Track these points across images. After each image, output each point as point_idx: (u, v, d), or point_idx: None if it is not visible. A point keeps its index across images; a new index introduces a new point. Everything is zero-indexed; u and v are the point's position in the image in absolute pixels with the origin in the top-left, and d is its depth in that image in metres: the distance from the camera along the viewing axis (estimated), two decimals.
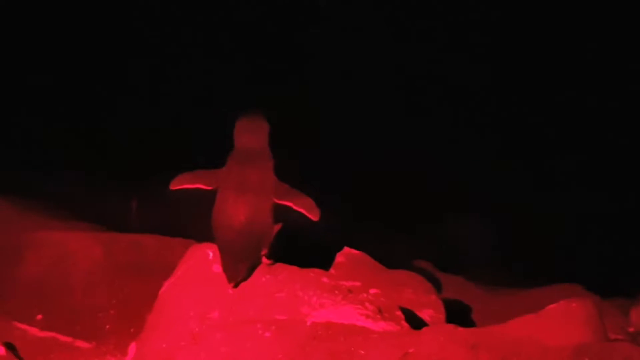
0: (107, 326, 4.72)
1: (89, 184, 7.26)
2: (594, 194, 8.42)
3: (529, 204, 8.33)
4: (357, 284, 4.37)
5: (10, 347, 4.14)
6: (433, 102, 9.36)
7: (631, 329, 4.58)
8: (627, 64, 9.00)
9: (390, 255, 5.20)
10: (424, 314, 4.50)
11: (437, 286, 5.34)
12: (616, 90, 9.01)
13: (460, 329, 3.52)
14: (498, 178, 8.61)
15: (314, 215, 3.98)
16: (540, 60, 9.37)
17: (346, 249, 4.84)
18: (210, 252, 4.12)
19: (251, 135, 4.06)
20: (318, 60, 9.43)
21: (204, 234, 4.18)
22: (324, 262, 4.56)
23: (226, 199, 3.99)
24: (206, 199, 4.08)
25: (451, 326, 3.61)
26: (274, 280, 3.99)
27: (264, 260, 4.08)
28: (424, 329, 3.57)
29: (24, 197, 6.31)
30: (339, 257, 4.75)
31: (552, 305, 3.62)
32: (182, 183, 4.08)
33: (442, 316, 4.58)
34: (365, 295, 4.10)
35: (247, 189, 3.97)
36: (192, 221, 4.50)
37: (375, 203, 7.94)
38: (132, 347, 4.08)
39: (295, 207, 3.99)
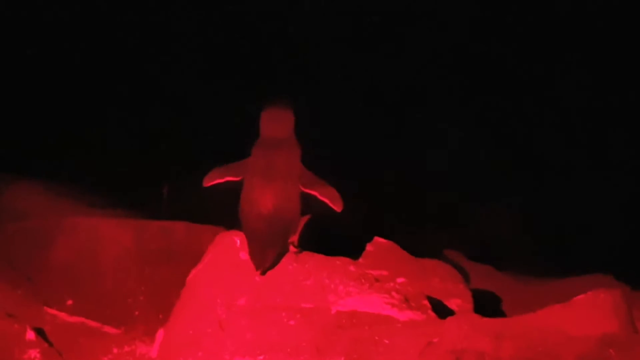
0: (136, 312, 4.76)
1: (119, 170, 7.32)
2: (625, 182, 8.35)
3: (558, 193, 8.27)
4: (385, 272, 4.37)
5: (39, 332, 4.19)
6: (463, 91, 9.32)
7: None
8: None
9: (419, 244, 5.19)
10: (452, 303, 4.50)
11: (466, 275, 5.34)
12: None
13: (485, 318, 3.52)
14: (527, 167, 8.57)
15: (337, 206, 4.01)
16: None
17: (375, 238, 4.84)
18: (237, 240, 4.13)
19: (277, 123, 4.09)
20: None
21: (232, 221, 4.21)
22: (352, 251, 4.56)
23: (253, 186, 4.02)
24: (235, 186, 4.10)
25: (476, 316, 3.60)
26: (301, 269, 4.00)
27: (291, 248, 4.09)
28: (448, 318, 3.56)
29: (56, 184, 6.38)
30: (368, 246, 4.76)
31: (579, 296, 3.60)
32: (214, 179, 4.13)
33: (469, 305, 4.57)
34: (392, 284, 4.11)
35: (274, 177, 4.00)
36: (221, 208, 4.52)
37: (405, 192, 7.92)
38: (160, 333, 4.12)
39: (319, 197, 4.01)
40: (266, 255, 3.94)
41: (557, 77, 9.16)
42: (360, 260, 4.52)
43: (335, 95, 8.91)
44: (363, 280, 3.99)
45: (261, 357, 3.48)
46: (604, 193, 8.25)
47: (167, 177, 7.21)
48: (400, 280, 4.28)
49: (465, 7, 9.31)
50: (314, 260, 4.07)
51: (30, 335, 4.08)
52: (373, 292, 3.90)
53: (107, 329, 4.59)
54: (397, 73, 9.32)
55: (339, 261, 4.12)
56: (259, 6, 9.44)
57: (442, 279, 4.72)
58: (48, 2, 8.97)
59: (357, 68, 9.33)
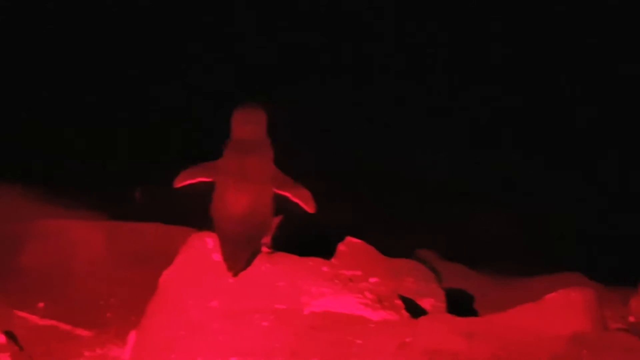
0: (108, 314, 4.72)
1: (91, 171, 7.29)
2: (599, 183, 8.43)
3: (535, 193, 8.32)
4: (358, 273, 4.36)
5: (10, 335, 4.15)
6: (441, 95, 9.37)
7: (632, 319, 4.56)
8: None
9: (393, 244, 5.20)
10: (425, 303, 4.50)
11: (439, 275, 5.34)
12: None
13: (458, 318, 3.53)
14: (504, 168, 8.61)
15: (310, 208, 4.00)
16: None
17: (348, 238, 4.84)
18: (210, 241, 4.11)
19: (250, 125, 4.07)
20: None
21: (205, 223, 4.19)
22: (325, 251, 4.56)
23: (226, 188, 4.00)
24: (208, 187, 4.09)
25: (449, 315, 3.62)
26: (274, 270, 3.99)
27: (264, 249, 4.08)
28: (421, 318, 3.57)
29: (26, 186, 6.34)
30: (340, 247, 4.74)
31: (551, 294, 3.63)
32: (185, 179, 4.10)
33: (443, 305, 4.58)
34: (365, 284, 4.10)
35: (247, 178, 3.98)
36: (194, 209, 4.50)
37: (379, 192, 7.94)
38: (132, 336, 4.09)
39: (292, 198, 4.00)
40: (239, 257, 3.92)
41: (535, 76, 9.23)
42: (334, 260, 4.51)
43: (312, 93, 8.94)
44: (336, 281, 3.99)
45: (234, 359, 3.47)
46: (575, 191, 8.32)
47: (139, 179, 7.19)
48: (373, 280, 4.27)
49: None
50: (287, 261, 4.07)
51: (1, 338, 4.04)
52: (346, 292, 3.90)
53: (79, 331, 4.55)
54: (380, 71, 9.36)
55: (312, 262, 4.11)
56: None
57: (415, 278, 4.73)
58: None
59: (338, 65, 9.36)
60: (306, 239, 4.69)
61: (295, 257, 4.10)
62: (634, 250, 7.07)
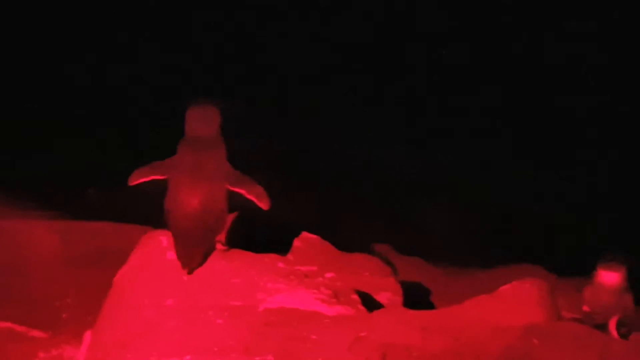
0: (64, 315, 4.69)
1: (45, 171, 7.24)
2: (554, 175, 8.52)
3: (491, 186, 8.37)
4: (314, 268, 4.37)
5: None
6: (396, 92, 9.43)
7: (585, 308, 4.61)
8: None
9: (348, 239, 5.21)
10: (382, 297, 4.51)
11: (396, 269, 5.37)
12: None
13: (412, 311, 3.56)
14: (460, 160, 8.67)
15: (264, 204, 4.00)
16: None
17: (303, 234, 4.84)
18: (164, 239, 4.10)
19: (203, 122, 4.06)
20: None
21: (159, 221, 4.17)
22: (281, 247, 4.56)
23: (179, 185, 3.99)
24: (163, 185, 4.08)
25: (403, 309, 3.65)
26: (230, 267, 3.99)
27: (219, 246, 4.08)
28: (375, 312, 3.59)
29: None
30: (296, 242, 4.75)
31: (505, 286, 3.67)
32: (139, 178, 4.08)
33: (399, 299, 4.59)
34: (321, 279, 4.12)
35: (200, 176, 3.97)
36: (150, 207, 4.48)
37: (334, 188, 7.96)
38: (87, 336, 4.06)
39: (246, 195, 4.00)
40: (193, 254, 3.92)
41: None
42: (289, 256, 4.51)
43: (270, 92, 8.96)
44: (292, 277, 3.99)
45: (188, 357, 3.46)
46: (531, 183, 8.40)
47: (93, 178, 7.15)
48: (329, 275, 4.29)
49: None
50: (242, 257, 4.06)
51: None
52: (302, 288, 3.91)
53: (34, 333, 4.51)
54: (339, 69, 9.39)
55: (268, 258, 4.12)
56: None
57: (371, 272, 4.73)
58: None
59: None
60: (261, 235, 4.68)
61: (250, 254, 4.10)
62: (589, 240, 7.15)
